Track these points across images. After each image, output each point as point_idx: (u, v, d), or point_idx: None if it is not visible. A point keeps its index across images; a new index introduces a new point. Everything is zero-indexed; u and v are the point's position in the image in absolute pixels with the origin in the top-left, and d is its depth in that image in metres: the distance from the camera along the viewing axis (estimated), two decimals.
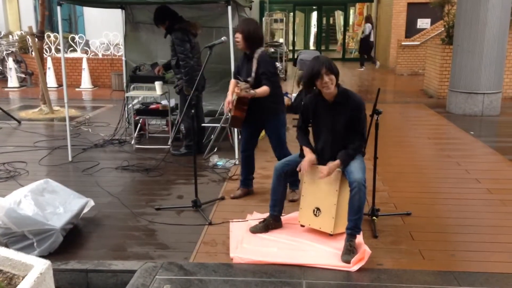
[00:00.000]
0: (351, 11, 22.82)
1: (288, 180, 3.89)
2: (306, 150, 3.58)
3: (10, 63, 12.38)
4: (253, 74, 4.10)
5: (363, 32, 16.35)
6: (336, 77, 3.34)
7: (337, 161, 3.41)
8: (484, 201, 4.41)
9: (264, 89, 4.03)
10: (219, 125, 6.01)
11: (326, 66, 3.29)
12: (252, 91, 3.99)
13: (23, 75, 12.78)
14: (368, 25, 16.01)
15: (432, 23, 15.41)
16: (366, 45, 16.23)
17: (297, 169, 3.60)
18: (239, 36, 4.09)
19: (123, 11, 6.98)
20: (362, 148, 3.47)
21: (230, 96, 4.23)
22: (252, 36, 4.10)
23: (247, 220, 3.94)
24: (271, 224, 3.75)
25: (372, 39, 16.18)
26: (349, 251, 3.26)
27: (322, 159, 3.55)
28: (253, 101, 4.08)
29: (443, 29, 11.43)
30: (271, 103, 4.14)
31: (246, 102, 4.10)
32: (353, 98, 3.41)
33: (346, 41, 20.88)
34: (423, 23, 16.00)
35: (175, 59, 5.63)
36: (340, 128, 3.43)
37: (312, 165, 3.54)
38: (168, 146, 6.15)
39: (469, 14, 8.05)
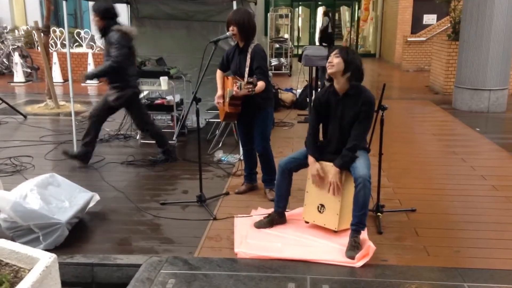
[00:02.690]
0: (357, 7, 22.70)
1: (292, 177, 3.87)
2: (311, 160, 3.54)
3: (16, 58, 12.41)
4: (247, 69, 4.01)
5: (322, 25, 17.89)
6: (346, 65, 3.31)
7: (336, 170, 3.42)
8: (490, 198, 4.40)
9: (261, 85, 3.92)
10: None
11: (340, 51, 3.35)
12: (251, 90, 3.84)
13: (29, 70, 12.82)
14: (326, 18, 17.48)
15: (438, 19, 15.32)
16: (324, 36, 17.65)
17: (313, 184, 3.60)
18: (234, 29, 3.97)
19: (129, 6, 6.98)
20: (357, 149, 3.40)
21: (221, 91, 4.17)
22: (247, 27, 3.98)
23: (251, 216, 3.94)
24: (276, 219, 3.75)
25: (329, 30, 17.60)
26: (354, 247, 3.25)
27: (327, 152, 3.55)
28: (244, 96, 4.00)
29: (449, 25, 11.35)
30: (260, 98, 4.03)
31: (240, 98, 4.01)
32: (365, 93, 3.38)
33: (351, 37, 20.80)
34: (429, 19, 15.91)
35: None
36: (348, 122, 3.41)
37: (317, 163, 3.54)
38: (173, 141, 6.16)
39: (476, 10, 7.99)
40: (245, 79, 3.96)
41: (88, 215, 3.95)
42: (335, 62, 3.32)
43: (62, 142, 6.31)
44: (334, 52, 3.37)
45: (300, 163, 3.63)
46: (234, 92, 3.88)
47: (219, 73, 4.29)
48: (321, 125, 3.65)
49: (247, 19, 4.00)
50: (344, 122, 3.43)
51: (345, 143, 3.41)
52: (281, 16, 16.07)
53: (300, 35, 21.67)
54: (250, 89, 3.79)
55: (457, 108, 8.57)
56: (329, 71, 3.37)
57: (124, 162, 5.46)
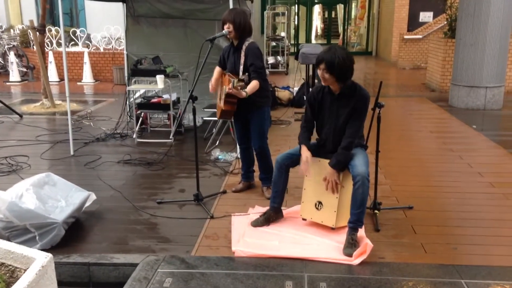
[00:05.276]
0: (353, 5, 22.71)
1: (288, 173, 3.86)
2: (303, 149, 3.54)
3: (12, 57, 12.36)
4: (241, 67, 4.01)
5: None
6: (337, 76, 3.27)
7: (331, 170, 3.40)
8: (487, 195, 4.40)
9: (254, 85, 3.93)
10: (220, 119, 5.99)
11: (326, 64, 3.25)
12: (243, 92, 3.87)
13: (24, 69, 12.78)
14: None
15: (434, 17, 15.34)
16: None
17: (299, 173, 3.59)
18: (230, 26, 3.99)
19: (124, 4, 6.96)
20: (352, 146, 3.39)
21: (214, 80, 4.21)
22: (242, 26, 4.00)
23: (248, 214, 3.93)
24: (272, 216, 3.74)
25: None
26: (351, 244, 3.25)
27: (324, 151, 3.54)
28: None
29: (445, 22, 11.37)
30: (256, 97, 4.03)
31: (236, 96, 4.00)
32: (359, 91, 3.37)
33: (348, 34, 20.79)
34: (426, 16, 15.93)
35: None
36: (343, 121, 3.40)
37: (312, 159, 3.53)
38: (170, 140, 6.14)
39: (472, 7, 8.00)
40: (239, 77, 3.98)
41: (84, 215, 3.94)
42: (327, 78, 3.30)
43: (58, 142, 6.29)
44: (322, 67, 3.27)
45: (297, 159, 3.62)
46: (227, 90, 3.89)
47: (217, 68, 4.30)
48: (316, 124, 3.64)
49: (243, 18, 4.01)
50: (340, 121, 3.42)
51: (340, 142, 3.40)
52: (277, 14, 16.03)
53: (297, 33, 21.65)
54: (241, 87, 3.80)
55: (454, 105, 8.59)
56: (324, 84, 3.37)
57: (120, 161, 5.44)
